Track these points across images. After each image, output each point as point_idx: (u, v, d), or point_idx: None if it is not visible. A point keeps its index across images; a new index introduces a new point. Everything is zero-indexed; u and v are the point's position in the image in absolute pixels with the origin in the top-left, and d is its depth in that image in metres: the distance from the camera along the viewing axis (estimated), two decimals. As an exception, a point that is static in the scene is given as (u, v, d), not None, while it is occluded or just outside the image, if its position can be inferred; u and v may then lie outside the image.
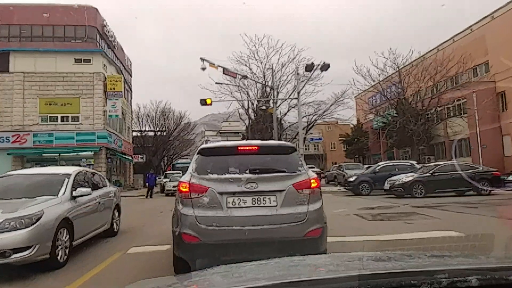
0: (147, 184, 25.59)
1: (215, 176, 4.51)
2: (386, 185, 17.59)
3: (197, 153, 4.94)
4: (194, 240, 4.31)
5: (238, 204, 4.41)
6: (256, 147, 4.93)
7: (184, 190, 4.52)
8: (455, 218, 9.89)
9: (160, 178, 34.30)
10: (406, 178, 16.83)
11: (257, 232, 4.30)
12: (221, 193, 4.42)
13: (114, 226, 8.44)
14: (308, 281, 1.25)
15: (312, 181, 4.62)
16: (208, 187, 4.44)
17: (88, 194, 6.80)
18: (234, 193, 4.42)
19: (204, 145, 5.27)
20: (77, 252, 6.41)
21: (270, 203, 4.45)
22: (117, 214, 8.72)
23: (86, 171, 8.08)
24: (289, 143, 5.96)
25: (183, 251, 4.42)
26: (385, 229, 8.19)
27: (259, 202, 4.44)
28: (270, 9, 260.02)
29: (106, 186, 8.45)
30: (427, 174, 16.66)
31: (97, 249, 7.06)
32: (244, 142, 6.68)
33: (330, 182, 30.90)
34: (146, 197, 24.04)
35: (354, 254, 1.92)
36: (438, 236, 7.13)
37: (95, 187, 7.70)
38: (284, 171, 4.62)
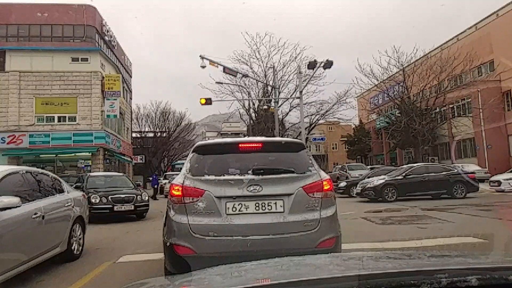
0: (155, 186, 25.17)
1: (213, 177, 3.91)
2: (358, 188, 17.01)
3: (192, 151, 4.33)
4: (188, 253, 3.71)
5: (239, 210, 3.81)
6: (260, 144, 4.31)
7: (176, 193, 3.92)
8: (470, 221, 9.33)
9: (159, 179, 33.81)
10: (377, 181, 16.22)
11: (261, 243, 3.70)
12: (219, 198, 3.82)
13: (75, 246, 6.17)
14: (308, 281, 1.22)
15: (324, 183, 4.02)
16: (204, 191, 3.83)
17: (16, 206, 4.53)
18: (234, 198, 3.82)
19: (200, 142, 4.66)
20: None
21: (276, 208, 3.85)
22: (79, 230, 6.43)
23: (27, 171, 5.54)
24: (297, 140, 5.33)
25: (176, 264, 3.81)
26: (398, 234, 7.59)
27: (263, 208, 3.84)
28: (271, 9, 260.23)
29: (63, 192, 6.18)
30: (400, 177, 16.04)
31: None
32: (246, 138, 6.06)
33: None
34: (153, 198, 23.60)
35: (354, 254, 1.95)
36: (458, 243, 6.56)
37: (42, 194, 5.48)
38: (292, 172, 4.02)
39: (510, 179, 17.33)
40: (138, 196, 12.26)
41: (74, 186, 11.22)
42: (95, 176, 14.32)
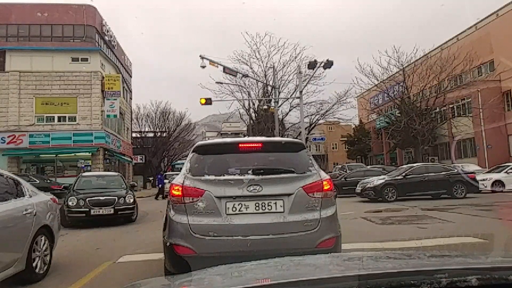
0: (160, 186, 25.23)
1: (213, 177, 3.91)
2: (358, 188, 17.08)
3: (192, 151, 4.33)
4: (188, 253, 3.70)
5: (239, 210, 3.81)
6: (260, 144, 4.31)
7: (176, 193, 3.92)
8: (470, 221, 9.32)
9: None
10: (377, 181, 16.27)
11: (261, 243, 3.70)
12: (219, 198, 3.82)
13: (37, 264, 4.91)
14: (308, 281, 1.23)
15: (324, 183, 4.02)
16: (204, 190, 3.83)
17: None
18: (234, 197, 3.82)
19: (200, 142, 4.66)
20: None
21: (276, 208, 3.85)
22: (44, 243, 5.11)
23: None
24: (297, 140, 5.33)
25: (176, 264, 3.81)
26: (398, 234, 7.58)
27: (263, 208, 3.83)
28: (271, 8, 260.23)
29: (22, 196, 4.98)
30: (400, 177, 16.07)
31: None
32: (246, 138, 6.06)
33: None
34: (156, 198, 23.70)
35: (353, 254, 1.93)
36: (458, 243, 6.56)
37: None
38: (292, 172, 4.02)
39: (485, 179, 17.76)
40: (121, 199, 10.86)
41: (63, 186, 10.76)
42: (87, 176, 13.62)
